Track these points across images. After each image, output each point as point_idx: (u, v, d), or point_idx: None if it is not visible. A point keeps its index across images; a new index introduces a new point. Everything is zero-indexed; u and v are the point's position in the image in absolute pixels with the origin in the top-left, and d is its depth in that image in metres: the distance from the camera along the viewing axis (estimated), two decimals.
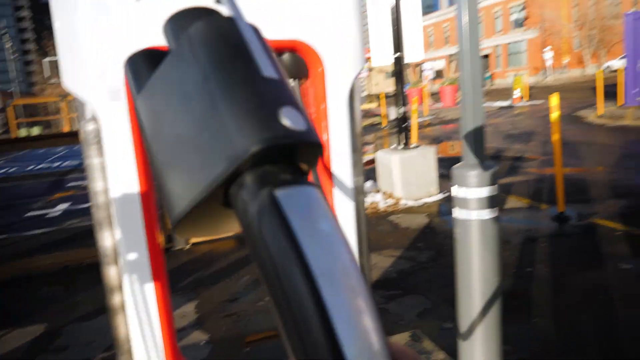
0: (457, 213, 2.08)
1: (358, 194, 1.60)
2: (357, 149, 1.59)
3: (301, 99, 1.53)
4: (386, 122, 16.74)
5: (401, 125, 6.70)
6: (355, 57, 1.48)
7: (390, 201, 6.33)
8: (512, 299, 3.44)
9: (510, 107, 19.64)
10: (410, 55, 6.81)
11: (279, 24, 1.38)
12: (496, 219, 2.07)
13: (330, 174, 1.56)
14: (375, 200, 6.35)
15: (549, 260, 4.11)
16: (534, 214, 5.45)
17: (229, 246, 5.26)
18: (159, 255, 1.35)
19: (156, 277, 1.34)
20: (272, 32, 1.38)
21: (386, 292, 3.77)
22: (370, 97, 29.47)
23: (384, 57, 6.82)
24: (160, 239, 1.38)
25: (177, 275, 4.45)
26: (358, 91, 1.55)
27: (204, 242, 5.34)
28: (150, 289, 1.34)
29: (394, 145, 6.82)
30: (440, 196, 6.40)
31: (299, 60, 1.47)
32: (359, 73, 1.53)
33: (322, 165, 1.56)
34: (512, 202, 5.97)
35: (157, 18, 1.21)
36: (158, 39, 1.22)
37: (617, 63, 24.67)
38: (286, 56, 1.46)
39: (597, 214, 5.15)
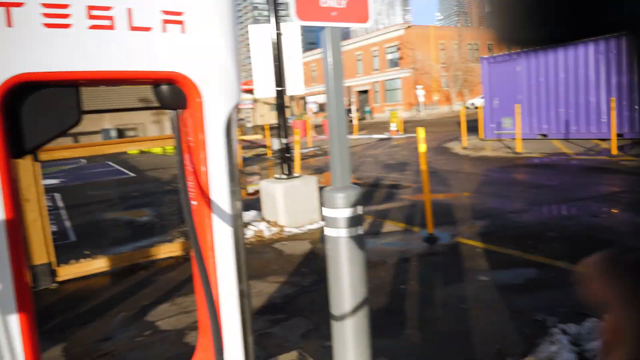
0: (328, 231, 2.25)
1: (236, 221, 1.68)
2: (234, 177, 1.67)
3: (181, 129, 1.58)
4: (271, 153, 16.99)
5: (284, 156, 6.91)
6: (231, 89, 1.57)
7: (275, 229, 6.44)
8: (387, 314, 3.70)
9: (388, 139, 21.04)
10: (292, 89, 7.10)
11: (158, 56, 1.43)
12: (362, 236, 2.28)
13: (208, 201, 1.62)
14: (260, 228, 6.42)
15: (419, 277, 4.48)
16: (408, 236, 5.90)
17: (101, 284, 4.96)
18: (27, 294, 1.28)
19: (23, 318, 1.27)
20: (151, 64, 1.43)
21: (271, 316, 3.83)
22: (256, 129, 29.68)
23: (267, 90, 7.03)
24: (28, 276, 1.32)
25: (42, 317, 4.10)
26: (235, 122, 1.65)
27: (71, 281, 4.97)
28: (16, 332, 1.27)
29: (278, 175, 6.99)
30: (323, 223, 6.65)
31: (177, 91, 1.54)
32: (236, 105, 1.63)
33: (200, 193, 1.62)
34: (389, 226, 6.41)
35: (27, 44, 1.20)
36: (29, 66, 1.21)
37: (479, 101, 27.60)
38: (165, 87, 1.51)
39: (461, 234, 5.72)
